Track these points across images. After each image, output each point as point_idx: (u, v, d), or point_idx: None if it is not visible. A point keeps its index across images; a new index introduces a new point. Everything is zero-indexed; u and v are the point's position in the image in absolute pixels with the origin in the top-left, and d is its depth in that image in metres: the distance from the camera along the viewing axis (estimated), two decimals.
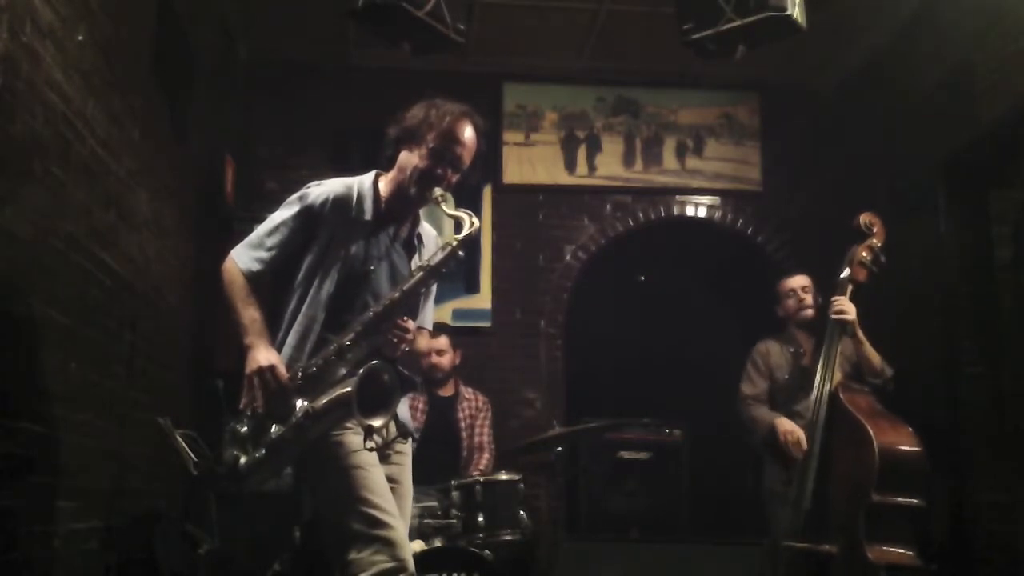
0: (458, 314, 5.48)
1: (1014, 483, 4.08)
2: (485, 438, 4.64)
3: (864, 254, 3.69)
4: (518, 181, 5.74)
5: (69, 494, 2.91)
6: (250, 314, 2.44)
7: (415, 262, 2.57)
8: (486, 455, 4.58)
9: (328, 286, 2.46)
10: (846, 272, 3.71)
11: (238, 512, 3.82)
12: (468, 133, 2.53)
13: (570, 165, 5.82)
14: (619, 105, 5.91)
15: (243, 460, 2.39)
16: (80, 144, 2.99)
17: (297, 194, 2.55)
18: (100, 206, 3.20)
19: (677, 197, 5.89)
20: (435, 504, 3.83)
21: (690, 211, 5.89)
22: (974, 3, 4.39)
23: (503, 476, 3.96)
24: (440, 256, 2.45)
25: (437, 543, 3.71)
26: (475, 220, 2.46)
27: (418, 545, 3.51)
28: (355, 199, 2.53)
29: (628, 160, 5.87)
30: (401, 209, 2.60)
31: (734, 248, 5.99)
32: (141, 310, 3.66)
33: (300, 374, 2.39)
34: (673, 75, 5.78)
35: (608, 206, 5.85)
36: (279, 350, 2.44)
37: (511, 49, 5.60)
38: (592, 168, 5.84)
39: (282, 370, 2.37)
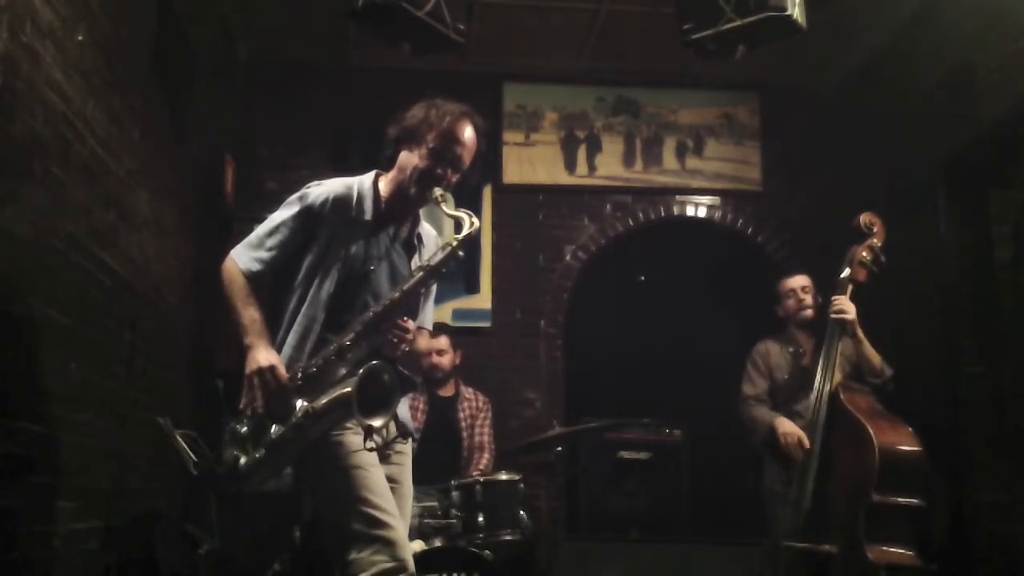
0: (458, 314, 5.47)
1: (1014, 483, 4.07)
2: (485, 438, 4.64)
3: (864, 254, 3.69)
4: (518, 181, 5.74)
5: (69, 494, 2.90)
6: (250, 314, 2.44)
7: (415, 262, 2.57)
8: (486, 455, 4.58)
9: (328, 286, 2.46)
10: (846, 272, 3.71)
11: (238, 512, 3.82)
12: (468, 133, 2.53)
13: (570, 165, 5.82)
14: (619, 105, 5.90)
15: (243, 460, 2.39)
16: (80, 144, 2.99)
17: (297, 194, 2.55)
18: (100, 206, 3.20)
19: (677, 197, 5.88)
20: (435, 504, 3.83)
21: (690, 211, 5.89)
22: (974, 3, 4.38)
23: (503, 476, 3.97)
24: (440, 256, 2.45)
25: (437, 543, 3.71)
26: (475, 220, 2.46)
27: (418, 545, 3.51)
28: (355, 199, 2.53)
29: (628, 160, 5.86)
30: (401, 209, 2.60)
31: (734, 248, 5.99)
32: (141, 310, 3.65)
33: (300, 374, 2.38)
34: (673, 75, 5.77)
35: (608, 206, 5.84)
36: (279, 350, 2.44)
37: (511, 49, 5.59)
38: (592, 168, 5.84)
39: (282, 370, 2.37)
